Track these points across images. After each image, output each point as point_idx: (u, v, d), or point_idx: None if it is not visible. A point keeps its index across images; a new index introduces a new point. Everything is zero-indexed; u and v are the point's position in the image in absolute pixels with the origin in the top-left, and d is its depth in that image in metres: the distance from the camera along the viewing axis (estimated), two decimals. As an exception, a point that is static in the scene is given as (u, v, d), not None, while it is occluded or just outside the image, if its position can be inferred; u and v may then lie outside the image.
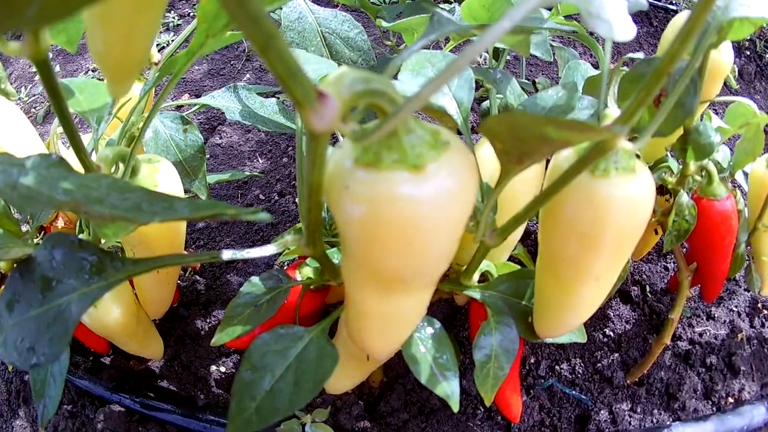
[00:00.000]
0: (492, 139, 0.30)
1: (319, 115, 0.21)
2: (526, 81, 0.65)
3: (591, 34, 0.53)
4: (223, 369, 0.68)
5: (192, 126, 0.52)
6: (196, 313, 0.72)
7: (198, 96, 1.02)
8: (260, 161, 0.90)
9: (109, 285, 0.34)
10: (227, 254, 0.34)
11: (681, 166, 0.58)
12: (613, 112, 0.38)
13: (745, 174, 0.66)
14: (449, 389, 0.43)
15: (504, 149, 0.30)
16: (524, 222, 0.38)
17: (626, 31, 0.28)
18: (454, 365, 0.44)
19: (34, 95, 1.14)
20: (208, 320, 0.71)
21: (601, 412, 0.67)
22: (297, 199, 0.84)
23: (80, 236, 0.52)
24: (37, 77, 1.21)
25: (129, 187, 0.30)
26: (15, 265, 0.35)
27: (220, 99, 0.55)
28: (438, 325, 0.45)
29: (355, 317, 0.35)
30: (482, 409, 0.63)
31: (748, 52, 1.23)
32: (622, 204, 0.33)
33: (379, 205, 0.25)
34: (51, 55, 1.17)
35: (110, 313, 0.50)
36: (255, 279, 0.45)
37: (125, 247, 0.52)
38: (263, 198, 0.84)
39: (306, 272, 0.50)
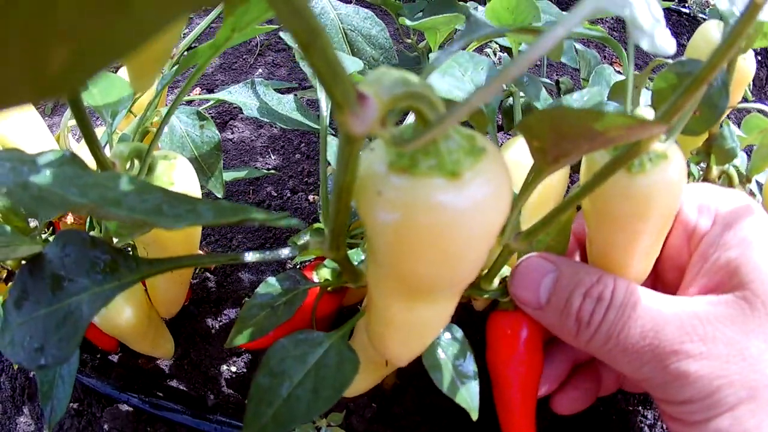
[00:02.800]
0: (530, 137, 0.29)
1: (358, 117, 0.20)
2: (548, 81, 0.64)
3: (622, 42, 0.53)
4: (234, 369, 0.67)
5: (209, 122, 0.51)
6: (206, 311, 0.71)
7: (210, 91, 1.02)
8: (272, 157, 0.90)
9: (122, 285, 0.33)
10: (248, 256, 0.33)
11: (703, 171, 0.58)
12: (645, 113, 0.38)
13: (759, 185, 0.66)
14: (469, 397, 0.43)
15: (541, 147, 0.30)
16: (552, 224, 0.38)
17: (668, 45, 0.29)
18: (474, 372, 0.44)
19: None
20: (218, 319, 0.71)
21: None
22: (309, 197, 0.83)
23: (91, 233, 0.52)
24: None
25: (148, 187, 0.29)
26: (24, 262, 0.34)
27: (237, 95, 0.54)
28: (459, 332, 0.44)
29: (378, 323, 0.35)
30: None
31: (759, 57, 1.23)
32: (661, 192, 0.36)
33: (414, 213, 0.24)
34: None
35: (122, 314, 0.49)
36: (271, 279, 0.44)
37: (137, 245, 0.51)
38: (275, 195, 0.84)
39: (323, 273, 0.49)
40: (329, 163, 0.46)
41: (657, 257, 0.44)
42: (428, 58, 0.64)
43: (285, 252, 0.35)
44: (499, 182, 0.25)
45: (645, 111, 0.38)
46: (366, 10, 0.52)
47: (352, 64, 0.44)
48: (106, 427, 0.64)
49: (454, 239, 0.25)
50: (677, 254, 0.44)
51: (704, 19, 1.28)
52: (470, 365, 0.44)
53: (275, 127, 0.93)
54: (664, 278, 0.46)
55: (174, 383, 0.67)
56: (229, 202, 0.31)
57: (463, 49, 0.40)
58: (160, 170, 0.45)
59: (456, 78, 0.44)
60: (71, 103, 0.35)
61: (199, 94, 1.00)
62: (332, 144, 0.43)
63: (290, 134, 0.92)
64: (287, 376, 0.35)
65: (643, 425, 0.66)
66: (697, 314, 0.39)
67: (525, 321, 0.48)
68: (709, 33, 0.53)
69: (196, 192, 0.46)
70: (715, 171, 0.58)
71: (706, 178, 0.59)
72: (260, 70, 1.06)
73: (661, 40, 0.28)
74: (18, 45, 0.10)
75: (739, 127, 0.62)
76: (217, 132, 0.52)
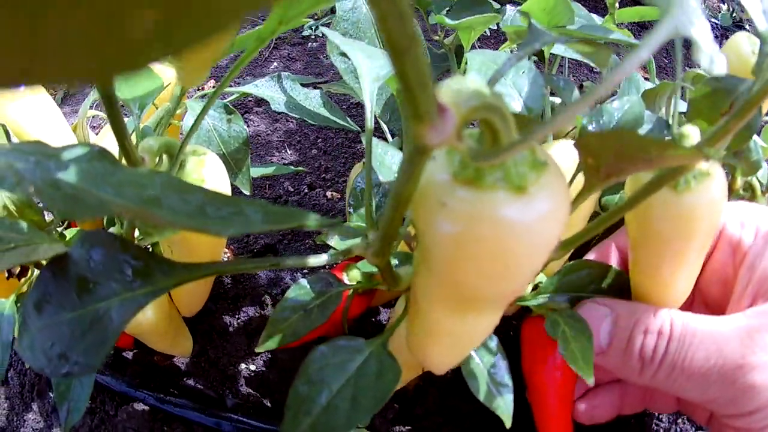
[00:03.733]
0: (586, 154, 0.29)
1: (437, 129, 0.19)
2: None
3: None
4: (252, 367, 0.67)
5: (236, 116, 0.50)
6: (224, 308, 0.70)
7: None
8: (289, 152, 0.89)
9: (156, 291, 0.31)
10: (290, 261, 0.32)
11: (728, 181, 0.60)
12: (690, 131, 0.39)
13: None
14: (504, 405, 0.42)
15: (595, 165, 0.30)
16: (591, 236, 0.39)
17: (722, 66, 0.29)
18: (509, 380, 0.43)
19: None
20: (236, 316, 0.70)
21: None
22: (327, 193, 0.82)
23: (110, 230, 0.51)
24: (57, 55, 1.20)
25: (186, 185, 0.28)
26: (44, 263, 0.32)
27: (264, 89, 0.53)
28: (495, 340, 0.44)
29: (421, 331, 0.34)
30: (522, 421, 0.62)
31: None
32: (705, 210, 0.38)
33: (479, 226, 0.24)
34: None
35: (143, 313, 0.49)
36: (303, 281, 0.43)
37: (161, 243, 0.50)
38: (292, 190, 0.83)
39: (354, 275, 0.48)
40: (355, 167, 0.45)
41: (700, 274, 0.45)
42: (455, 56, 0.63)
43: (324, 258, 0.34)
44: (561, 196, 0.25)
45: (690, 129, 0.39)
46: (399, 5, 0.51)
47: (388, 65, 0.42)
48: (120, 426, 0.64)
49: (516, 252, 0.25)
50: (722, 268, 0.46)
51: (716, 25, 1.29)
52: (505, 373, 0.43)
53: (291, 121, 0.93)
54: (707, 294, 0.48)
55: (191, 381, 0.67)
56: (264, 201, 0.30)
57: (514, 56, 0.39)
58: (190, 167, 0.44)
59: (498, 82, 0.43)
60: (103, 93, 0.33)
61: (213, 86, 0.99)
62: (376, 148, 0.42)
63: (306, 129, 0.91)
64: (326, 385, 0.34)
65: (658, 428, 0.66)
66: (754, 326, 0.40)
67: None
68: (740, 47, 0.56)
69: (226, 190, 0.45)
70: (739, 181, 0.60)
71: (730, 188, 0.60)
72: (275, 64, 1.05)
73: (718, 61, 0.29)
74: (92, 4, 0.08)
75: (759, 135, 0.63)
76: (244, 127, 0.51)
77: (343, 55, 0.47)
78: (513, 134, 0.23)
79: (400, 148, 0.47)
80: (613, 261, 0.51)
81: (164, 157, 0.43)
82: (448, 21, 0.50)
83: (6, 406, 0.72)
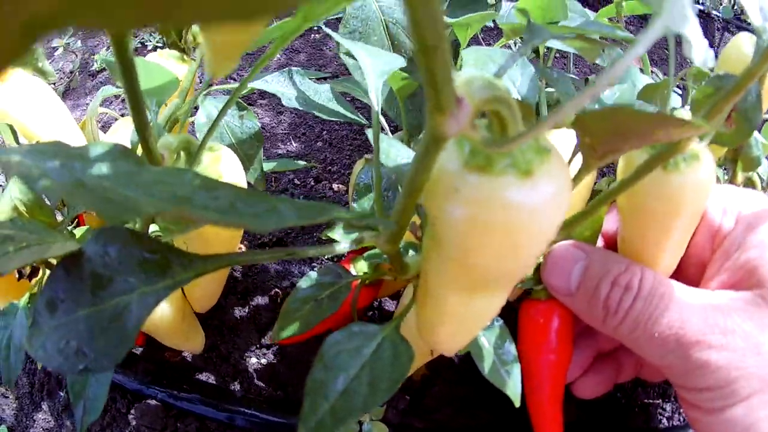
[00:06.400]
0: (582, 134, 0.32)
1: (455, 119, 0.22)
2: (576, 77, 0.67)
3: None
4: (264, 360, 0.69)
5: (249, 112, 0.53)
6: (233, 302, 0.73)
7: (230, 76, 1.03)
8: (294, 144, 0.91)
9: (176, 284, 0.32)
10: (305, 252, 0.35)
11: (728, 177, 0.64)
12: (684, 115, 0.43)
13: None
14: (513, 384, 0.45)
15: (592, 144, 0.32)
16: (589, 217, 0.42)
17: (710, 58, 0.31)
18: (516, 360, 0.46)
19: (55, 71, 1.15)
20: (246, 309, 0.72)
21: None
22: (333, 185, 0.85)
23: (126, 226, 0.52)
24: (57, 52, 1.22)
25: (214, 183, 0.28)
26: (54, 261, 0.31)
27: (275, 84, 0.55)
28: (499, 320, 0.47)
29: (432, 314, 0.37)
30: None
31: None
32: (692, 190, 0.41)
33: (490, 210, 0.26)
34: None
35: (159, 310, 0.50)
36: (313, 274, 0.46)
37: (175, 240, 0.52)
38: (298, 183, 0.85)
39: (361, 267, 0.51)
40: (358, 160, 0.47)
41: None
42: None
43: (341, 247, 0.36)
44: (564, 179, 0.28)
45: (684, 113, 0.42)
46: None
47: (394, 61, 0.45)
48: (134, 423, 0.65)
49: (524, 234, 0.27)
50: (701, 251, 0.49)
51: (717, 17, 1.31)
52: (511, 353, 0.46)
53: (295, 114, 0.95)
54: (686, 272, 0.50)
55: (203, 376, 0.69)
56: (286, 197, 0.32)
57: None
58: (207, 162, 0.45)
59: (491, 73, 0.46)
60: (130, 92, 0.33)
61: (216, 82, 1.01)
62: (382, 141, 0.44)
63: (311, 121, 0.94)
64: (343, 370, 0.36)
65: (662, 417, 0.69)
66: (720, 307, 0.43)
67: (556, 310, 0.52)
68: (742, 47, 0.59)
69: (243, 185, 0.47)
70: (740, 177, 0.63)
71: (731, 183, 0.63)
72: (278, 56, 1.07)
73: (707, 55, 0.31)
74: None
75: (759, 132, 0.66)
76: (257, 122, 0.53)
77: (349, 53, 0.49)
78: (519, 123, 0.26)
79: (403, 141, 0.50)
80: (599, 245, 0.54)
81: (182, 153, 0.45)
82: (448, 19, 0.52)
83: (15, 407, 0.74)
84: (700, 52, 0.28)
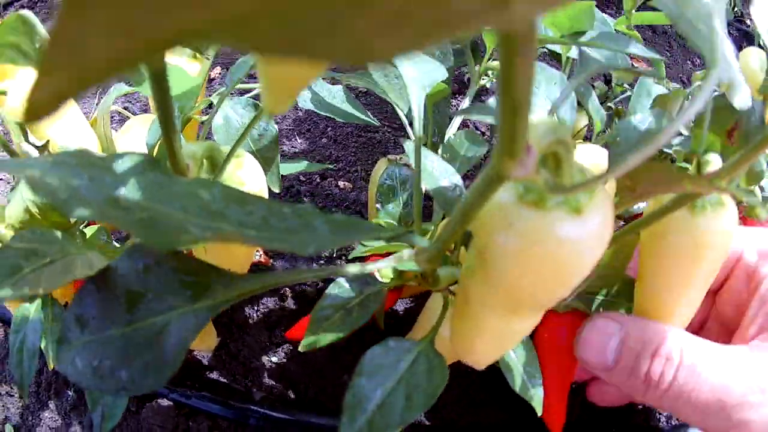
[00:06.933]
0: (624, 177, 0.33)
1: (523, 165, 0.23)
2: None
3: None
4: (275, 359, 0.70)
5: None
6: (243, 301, 0.73)
7: (228, 68, 1.02)
8: (299, 141, 0.92)
9: (216, 305, 0.30)
10: (353, 268, 0.35)
11: None
12: (713, 159, 0.43)
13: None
14: (536, 396, 0.46)
15: (632, 186, 0.34)
16: (614, 245, 0.45)
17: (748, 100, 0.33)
18: (539, 372, 0.47)
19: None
20: (255, 308, 0.73)
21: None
22: (339, 183, 0.85)
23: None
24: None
25: (245, 196, 0.28)
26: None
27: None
28: (526, 337, 0.48)
29: (471, 331, 0.38)
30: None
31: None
32: (717, 237, 0.41)
33: (542, 244, 0.28)
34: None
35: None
36: (341, 280, 0.46)
37: (193, 243, 0.52)
38: (304, 179, 0.86)
39: (386, 273, 0.52)
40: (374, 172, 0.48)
41: (717, 294, 0.50)
42: (471, 51, 0.66)
43: (382, 264, 0.37)
44: (609, 214, 0.29)
45: (712, 157, 0.43)
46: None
47: (436, 71, 0.45)
48: (145, 422, 0.66)
49: (571, 265, 0.29)
50: (737, 295, 0.50)
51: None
52: (536, 367, 0.47)
53: (300, 110, 0.95)
54: (723, 313, 0.52)
55: (214, 375, 0.70)
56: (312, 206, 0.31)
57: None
58: (229, 169, 0.44)
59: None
60: (159, 97, 0.31)
61: (219, 73, 1.01)
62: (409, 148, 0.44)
63: (315, 117, 0.94)
64: (380, 384, 0.38)
65: (662, 416, 0.71)
66: (759, 366, 0.43)
67: (564, 325, 0.52)
68: (749, 62, 0.61)
69: (264, 192, 0.47)
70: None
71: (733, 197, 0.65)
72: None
73: (747, 99, 0.33)
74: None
75: None
76: (274, 125, 0.53)
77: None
78: (573, 160, 0.27)
79: (435, 151, 0.50)
80: None
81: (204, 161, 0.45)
82: (477, 31, 0.53)
83: (20, 405, 0.74)
84: (743, 99, 0.29)
